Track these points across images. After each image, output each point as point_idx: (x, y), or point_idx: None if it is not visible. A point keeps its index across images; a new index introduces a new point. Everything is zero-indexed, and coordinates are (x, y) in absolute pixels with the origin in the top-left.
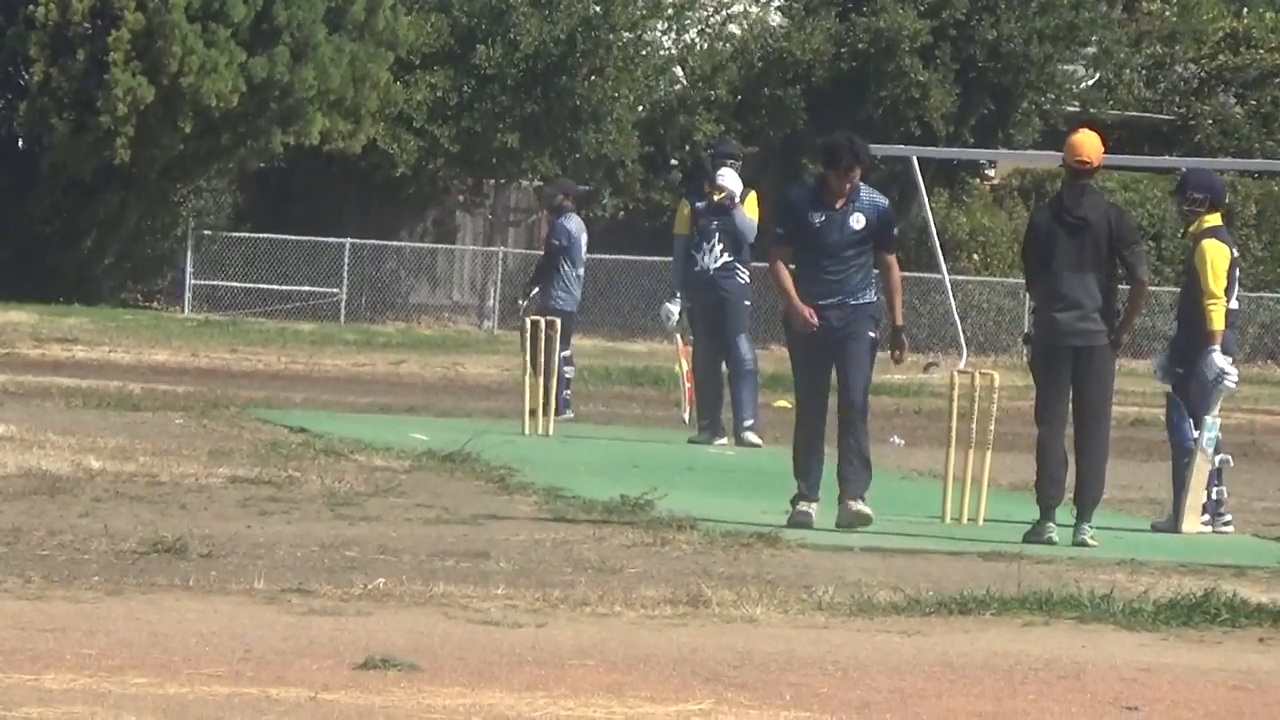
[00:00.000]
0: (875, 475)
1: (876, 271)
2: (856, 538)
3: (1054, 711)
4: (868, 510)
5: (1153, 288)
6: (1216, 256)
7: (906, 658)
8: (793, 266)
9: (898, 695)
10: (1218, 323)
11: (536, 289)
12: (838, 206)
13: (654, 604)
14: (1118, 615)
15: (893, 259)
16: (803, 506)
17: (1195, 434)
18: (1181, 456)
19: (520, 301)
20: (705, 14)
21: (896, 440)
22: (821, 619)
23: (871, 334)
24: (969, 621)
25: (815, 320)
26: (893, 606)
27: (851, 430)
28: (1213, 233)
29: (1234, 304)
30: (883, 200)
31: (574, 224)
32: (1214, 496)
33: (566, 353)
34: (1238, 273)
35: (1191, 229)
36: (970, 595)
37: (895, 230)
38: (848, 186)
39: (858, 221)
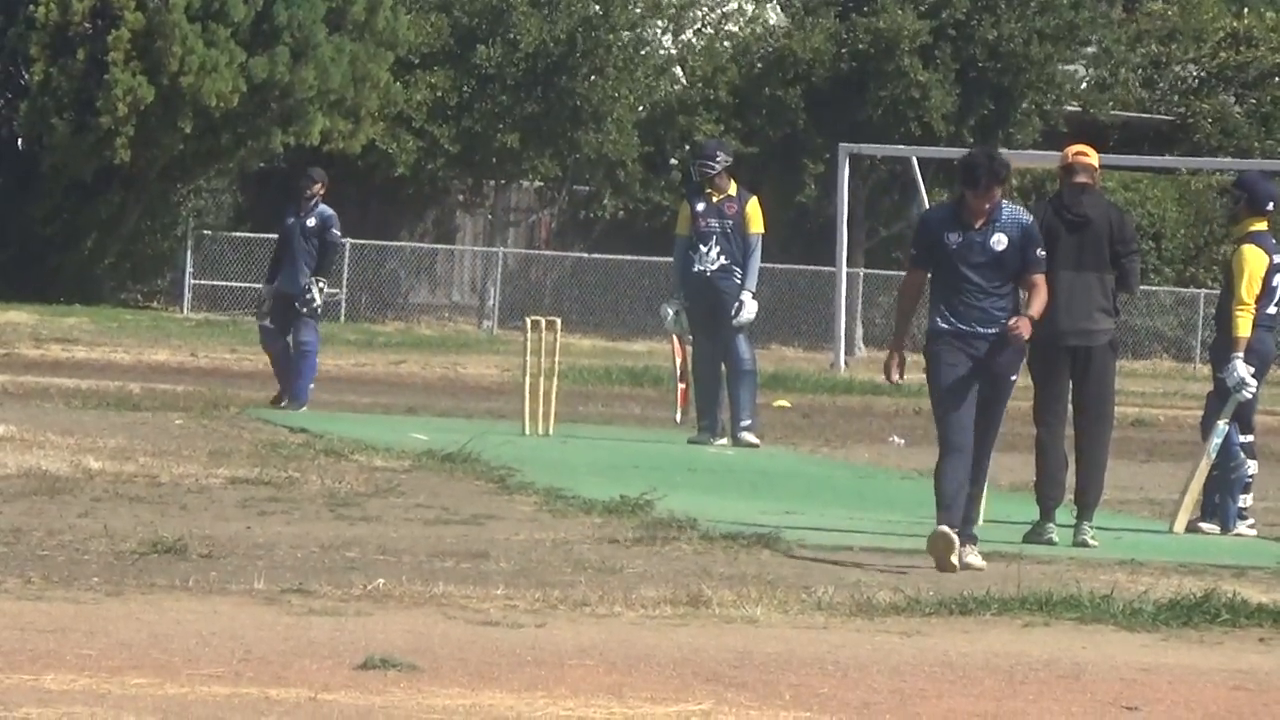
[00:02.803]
0: (875, 475)
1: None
2: (857, 538)
3: (1054, 712)
4: (980, 563)
5: (1153, 287)
6: (1254, 263)
7: (906, 658)
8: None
9: (898, 696)
10: (1243, 329)
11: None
12: (977, 226)
13: (654, 604)
14: (1118, 615)
15: (1040, 279)
16: (970, 555)
17: (1239, 437)
18: (1228, 460)
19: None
20: (704, 13)
21: (897, 440)
22: (821, 619)
23: (1014, 377)
24: (969, 622)
25: (897, 378)
26: (893, 607)
27: (982, 464)
28: (1252, 238)
29: (1273, 309)
30: (1026, 217)
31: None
32: (1241, 503)
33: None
34: (1278, 279)
35: (1234, 230)
36: (970, 596)
37: (1041, 251)
38: (987, 206)
39: (999, 242)
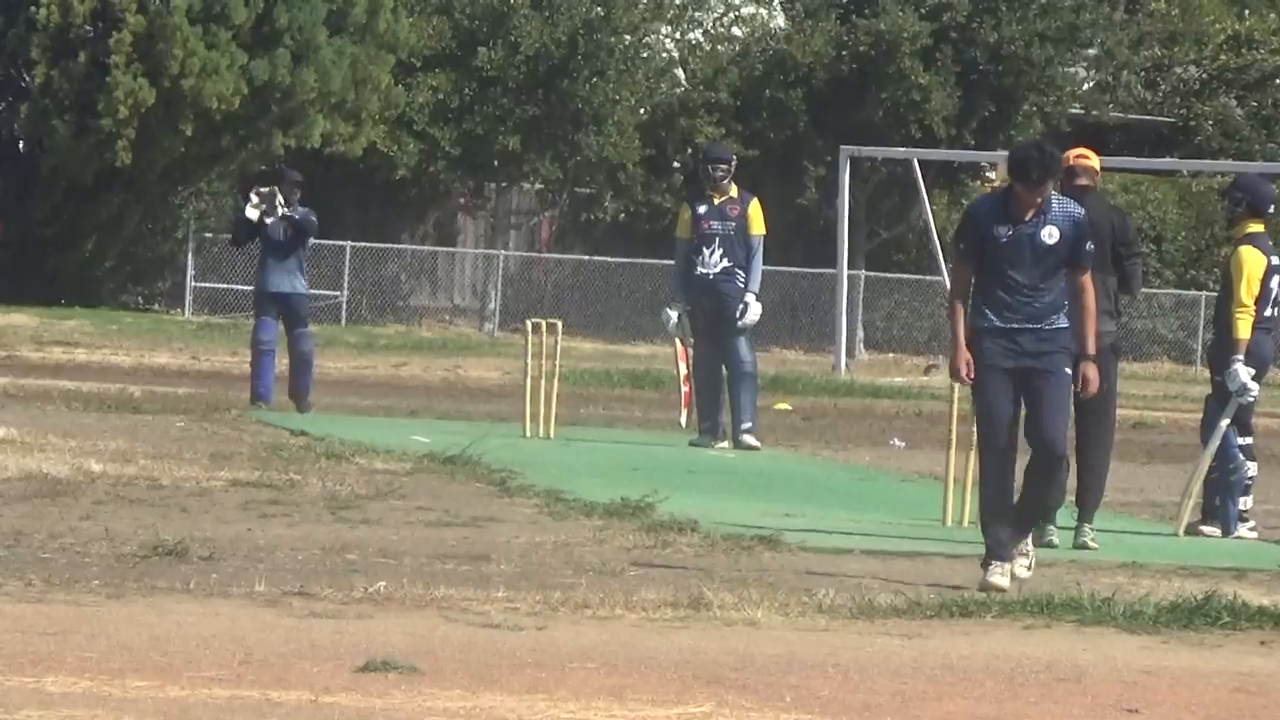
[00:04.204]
0: (876, 479)
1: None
2: (858, 540)
3: (1055, 714)
4: (1025, 574)
5: (1154, 290)
6: (1253, 264)
7: (908, 660)
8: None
9: (899, 698)
10: (1242, 332)
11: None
12: (1026, 219)
13: (655, 606)
14: (1119, 618)
15: (1086, 279)
16: (995, 573)
17: (1237, 440)
18: (1227, 462)
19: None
20: (713, 17)
21: (897, 443)
22: (823, 621)
23: (1068, 370)
24: (970, 624)
25: (969, 376)
26: (894, 609)
27: (1048, 482)
28: (1250, 239)
29: (1271, 311)
30: (1078, 210)
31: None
32: (1241, 505)
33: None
34: (1276, 281)
35: (1232, 232)
36: (971, 598)
37: (1090, 245)
38: (1038, 200)
39: (1050, 235)
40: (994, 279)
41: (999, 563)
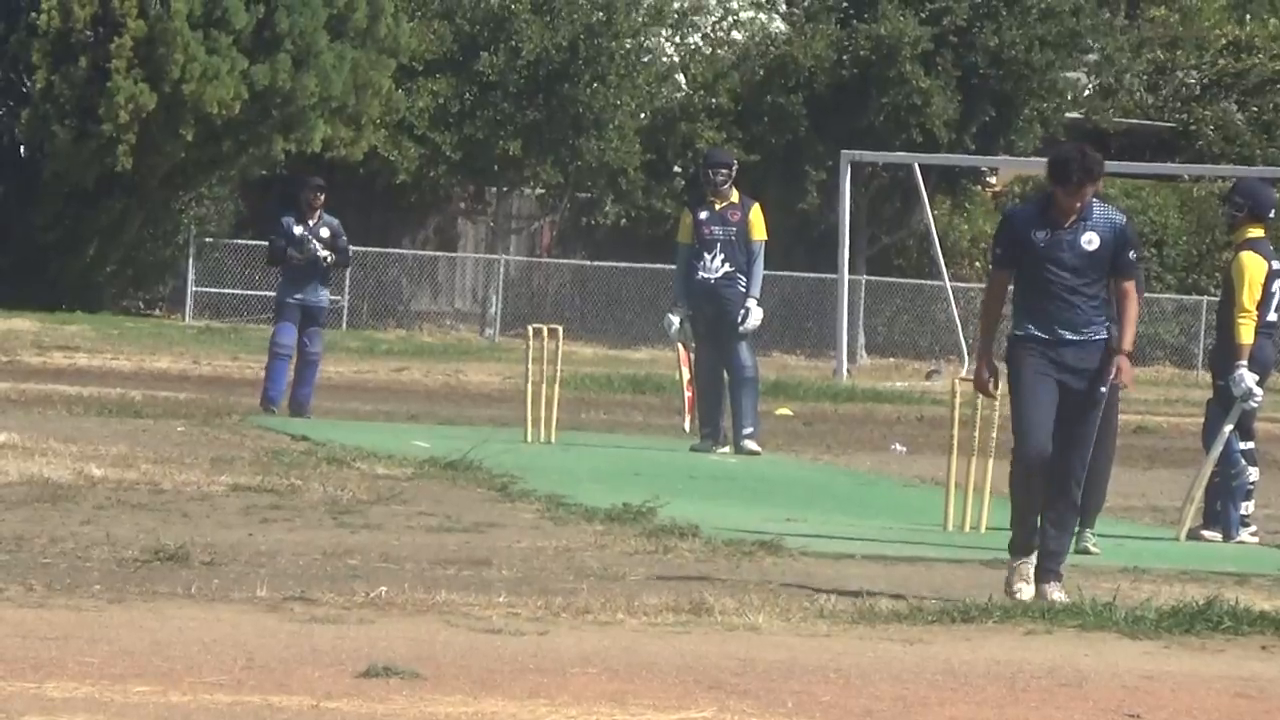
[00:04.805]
0: (877, 484)
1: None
2: (859, 545)
3: (1056, 719)
4: (1063, 598)
5: (1155, 295)
6: (1253, 269)
7: (909, 666)
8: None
9: (900, 703)
10: (1245, 337)
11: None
12: (1066, 224)
13: (656, 612)
14: (1120, 623)
15: (1130, 286)
16: (1018, 583)
17: (1239, 444)
18: (1228, 467)
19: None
20: (713, 20)
21: (899, 448)
22: (824, 627)
23: (1104, 389)
24: (971, 629)
25: (994, 391)
26: (895, 614)
27: (1066, 494)
28: (1252, 244)
29: (1273, 316)
30: (1120, 217)
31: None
32: (1243, 510)
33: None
34: (1277, 285)
35: (1233, 237)
36: (972, 603)
37: (1134, 253)
38: (1079, 204)
39: (1090, 242)
40: (1033, 286)
41: (1023, 575)
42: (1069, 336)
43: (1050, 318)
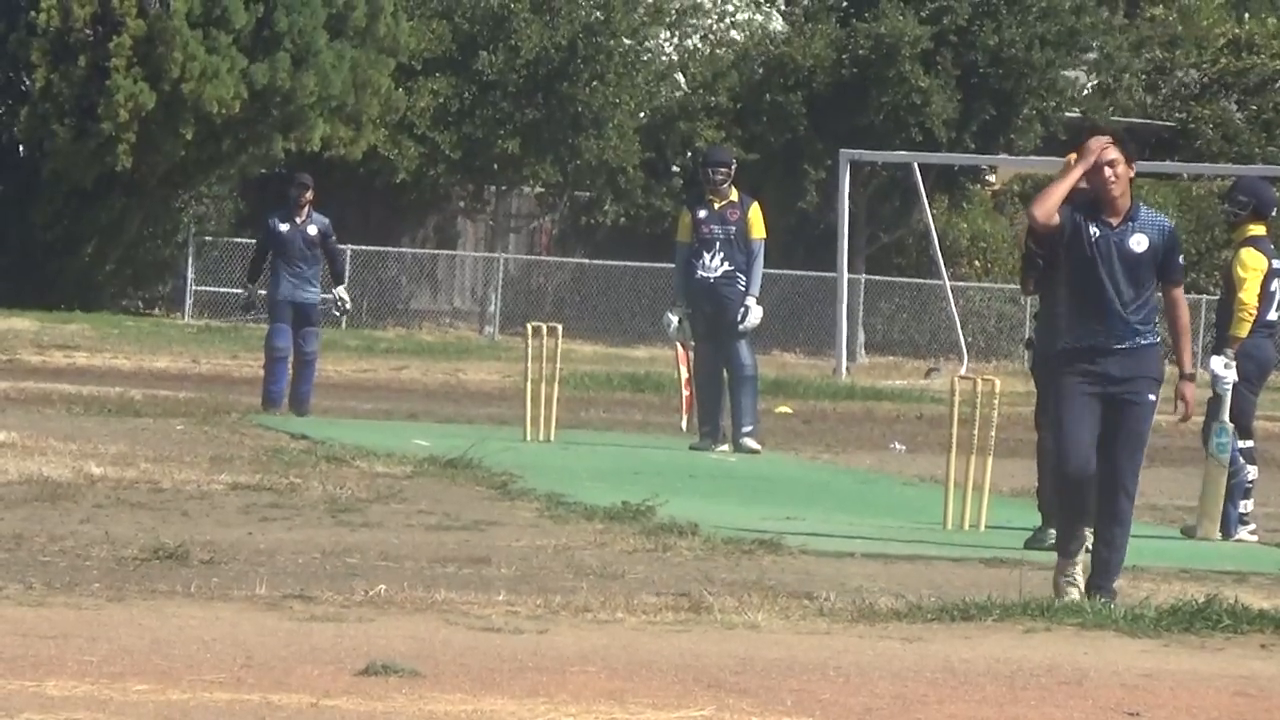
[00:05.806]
0: (877, 482)
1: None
2: (858, 544)
3: (1056, 717)
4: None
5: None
6: (1255, 266)
7: (908, 664)
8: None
9: (900, 701)
10: (1239, 330)
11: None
12: (1115, 225)
13: (655, 610)
14: (1119, 621)
15: (1179, 293)
16: (1067, 588)
17: (1239, 444)
18: (1229, 465)
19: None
20: (712, 21)
21: (898, 446)
22: (823, 625)
23: (1152, 397)
24: (971, 627)
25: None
26: (894, 613)
27: (1114, 511)
28: (1252, 242)
29: (1273, 315)
30: (1166, 222)
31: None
32: (1241, 509)
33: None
34: (1277, 284)
35: (1234, 235)
36: (972, 601)
37: (1181, 258)
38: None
39: (1139, 244)
40: (1078, 290)
41: (1071, 564)
42: (1114, 346)
43: (1094, 324)
